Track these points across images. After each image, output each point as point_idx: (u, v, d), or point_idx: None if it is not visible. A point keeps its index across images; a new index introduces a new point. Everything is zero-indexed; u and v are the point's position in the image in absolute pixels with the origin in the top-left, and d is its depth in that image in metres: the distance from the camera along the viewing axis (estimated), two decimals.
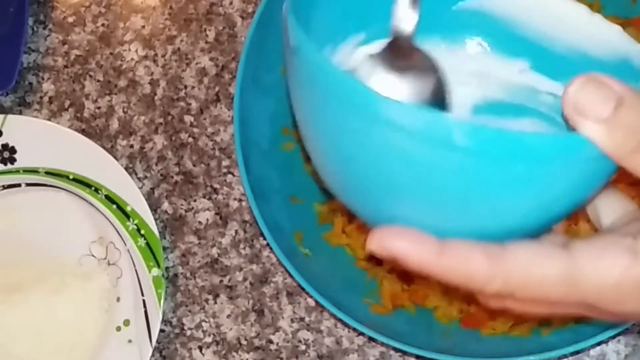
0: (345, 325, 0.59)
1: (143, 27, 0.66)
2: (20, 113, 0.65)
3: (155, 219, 0.60)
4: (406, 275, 0.57)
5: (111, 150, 0.63)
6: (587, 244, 0.35)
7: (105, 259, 0.60)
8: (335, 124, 0.35)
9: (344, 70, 0.34)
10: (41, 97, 0.65)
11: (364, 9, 0.43)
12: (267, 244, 0.60)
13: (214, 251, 0.62)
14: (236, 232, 0.62)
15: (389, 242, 0.34)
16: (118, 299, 0.59)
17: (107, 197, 0.60)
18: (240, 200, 0.62)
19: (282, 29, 0.37)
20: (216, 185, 0.63)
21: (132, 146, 0.64)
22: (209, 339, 0.60)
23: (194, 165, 0.63)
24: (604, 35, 0.41)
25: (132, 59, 0.65)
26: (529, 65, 0.44)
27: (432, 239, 0.34)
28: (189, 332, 0.60)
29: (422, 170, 0.33)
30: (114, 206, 0.60)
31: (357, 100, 0.33)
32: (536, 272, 0.34)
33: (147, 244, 0.59)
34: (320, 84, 0.34)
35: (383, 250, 0.34)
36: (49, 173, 0.61)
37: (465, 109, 0.45)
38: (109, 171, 0.60)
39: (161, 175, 0.63)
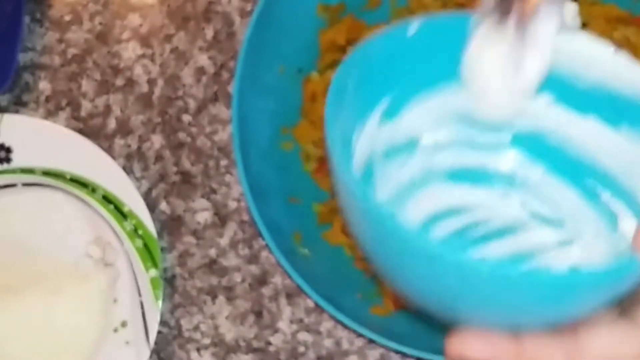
0: (345, 326, 0.59)
1: (140, 25, 0.66)
2: (17, 112, 0.64)
3: (153, 219, 0.60)
4: None
5: (108, 150, 0.63)
6: None
7: (102, 259, 0.60)
8: (395, 260, 0.36)
9: (394, 217, 0.36)
10: (38, 96, 0.65)
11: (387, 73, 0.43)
12: (266, 245, 0.60)
13: (213, 252, 0.61)
14: (235, 232, 0.62)
15: (468, 348, 0.36)
16: (115, 300, 0.59)
17: (104, 197, 0.60)
18: (238, 201, 0.62)
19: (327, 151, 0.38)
20: (214, 185, 0.63)
21: (129, 146, 0.64)
22: (207, 341, 0.60)
23: (192, 165, 0.63)
24: (629, 73, 0.40)
25: (130, 58, 0.65)
26: (554, 98, 0.44)
27: (509, 340, 0.36)
28: (187, 334, 0.60)
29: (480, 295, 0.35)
30: (111, 206, 0.60)
31: (408, 243, 0.34)
32: (616, 357, 0.36)
33: (145, 244, 0.59)
34: (375, 226, 0.36)
35: (462, 357, 0.36)
36: (45, 173, 0.61)
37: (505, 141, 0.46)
38: (106, 171, 0.60)
39: (159, 175, 0.63)
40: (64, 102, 0.65)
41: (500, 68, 0.40)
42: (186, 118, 0.64)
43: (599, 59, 0.41)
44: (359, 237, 0.39)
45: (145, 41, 0.66)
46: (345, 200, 0.37)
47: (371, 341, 0.59)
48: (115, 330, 0.58)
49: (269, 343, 0.60)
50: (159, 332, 0.60)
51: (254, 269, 0.61)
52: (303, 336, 0.60)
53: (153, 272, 0.59)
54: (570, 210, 0.44)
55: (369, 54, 0.41)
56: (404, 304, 0.57)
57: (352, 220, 0.38)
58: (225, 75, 0.65)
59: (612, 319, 0.37)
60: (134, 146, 0.64)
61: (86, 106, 0.65)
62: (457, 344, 0.36)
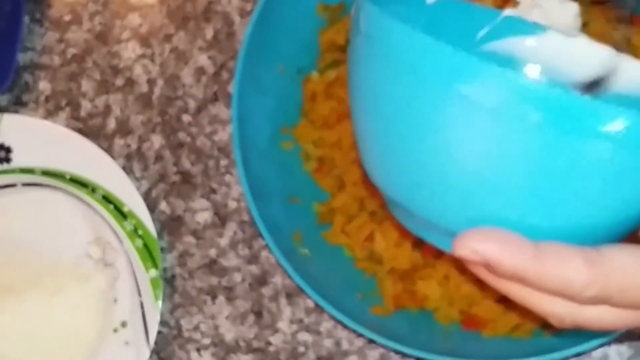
0: (345, 326, 0.59)
1: (140, 25, 0.66)
2: (17, 112, 0.64)
3: (153, 219, 0.60)
4: (407, 276, 0.57)
5: (108, 150, 0.63)
6: None
7: (102, 259, 0.60)
8: (412, 98, 0.32)
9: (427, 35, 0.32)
10: (37, 96, 0.65)
11: None
12: (266, 245, 0.60)
13: (212, 252, 0.61)
14: (235, 232, 0.62)
15: (481, 245, 0.32)
16: (115, 300, 0.59)
17: (104, 197, 0.60)
18: (238, 201, 0.62)
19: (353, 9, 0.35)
20: (214, 185, 0.63)
21: (129, 146, 0.64)
22: (207, 341, 0.60)
23: (192, 165, 0.63)
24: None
25: (129, 58, 0.65)
26: None
27: (526, 240, 0.32)
28: (187, 334, 0.60)
29: (520, 153, 0.31)
30: (111, 206, 0.60)
31: (434, 65, 0.31)
32: (637, 277, 0.33)
33: (145, 244, 0.59)
34: (403, 54, 0.32)
35: (473, 255, 0.32)
36: (45, 173, 0.61)
37: None
38: (105, 171, 0.60)
39: (159, 175, 0.63)
40: (63, 102, 0.65)
41: None
42: (186, 118, 0.64)
43: None
44: (366, 88, 0.35)
45: (145, 41, 0.66)
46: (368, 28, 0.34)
47: (371, 341, 0.59)
48: (115, 330, 0.58)
49: (269, 343, 0.60)
50: (159, 332, 0.60)
51: (253, 269, 0.61)
52: (303, 336, 0.60)
53: (153, 272, 0.59)
54: None
55: None
56: (404, 304, 0.57)
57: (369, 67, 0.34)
58: (225, 75, 0.65)
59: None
60: (134, 146, 0.64)
61: (86, 106, 0.65)
62: (471, 240, 0.32)
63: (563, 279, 0.32)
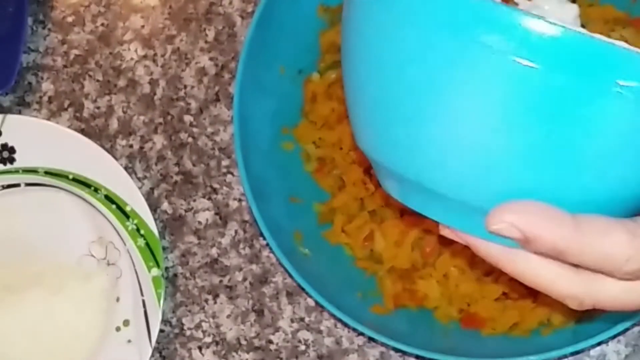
0: (345, 325, 0.59)
1: (142, 26, 0.66)
2: (20, 113, 0.64)
3: (155, 219, 0.60)
4: (407, 275, 0.57)
5: (110, 150, 0.63)
6: None
7: (104, 259, 0.60)
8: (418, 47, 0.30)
9: None
10: (40, 97, 0.65)
11: None
12: (267, 244, 0.60)
13: (214, 251, 0.62)
14: (236, 232, 0.62)
15: (519, 218, 0.30)
16: (117, 299, 0.59)
17: (106, 197, 0.60)
18: (239, 200, 0.62)
19: None
20: (216, 185, 0.63)
21: (131, 146, 0.64)
22: (208, 339, 0.60)
23: (194, 165, 0.63)
24: None
25: (132, 59, 0.65)
26: None
27: (565, 213, 0.30)
28: (188, 332, 0.60)
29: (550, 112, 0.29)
30: (114, 206, 0.60)
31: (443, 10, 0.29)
32: None
33: (147, 244, 0.59)
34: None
35: (509, 229, 0.30)
36: (48, 173, 0.61)
37: None
38: (108, 171, 0.60)
39: (161, 175, 0.63)
40: (66, 103, 0.65)
41: None
42: (188, 118, 0.64)
43: None
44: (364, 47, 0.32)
45: (147, 42, 0.66)
46: None
47: (371, 339, 0.59)
48: (118, 329, 0.58)
49: (269, 341, 0.60)
50: (161, 331, 0.60)
51: (254, 268, 0.61)
52: (303, 335, 0.60)
53: (155, 271, 0.59)
54: None
55: None
56: (403, 303, 0.57)
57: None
58: (226, 76, 0.65)
59: None
60: (136, 146, 0.64)
61: (88, 107, 0.65)
62: (508, 213, 0.30)
63: (604, 253, 0.31)
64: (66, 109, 0.65)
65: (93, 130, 0.64)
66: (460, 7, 0.29)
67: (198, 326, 0.60)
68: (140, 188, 0.62)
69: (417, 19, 0.30)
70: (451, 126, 0.30)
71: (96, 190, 0.61)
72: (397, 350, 0.58)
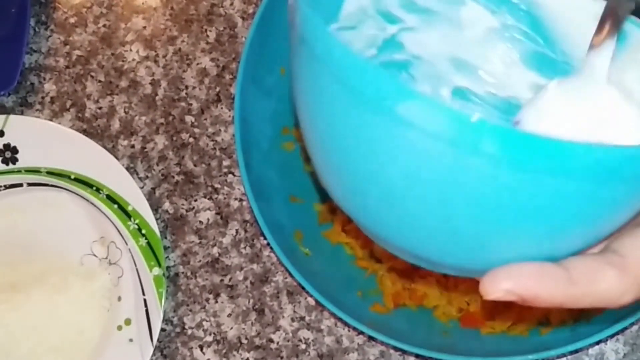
0: (345, 324, 0.59)
1: (144, 27, 0.66)
2: (22, 113, 0.65)
3: (156, 219, 0.60)
4: (407, 274, 0.57)
5: (112, 150, 0.64)
6: None
7: (106, 258, 0.60)
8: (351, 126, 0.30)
9: (360, 54, 0.30)
10: (43, 98, 0.65)
11: None
12: (268, 244, 0.61)
13: (215, 251, 0.62)
14: (237, 231, 0.62)
15: (515, 284, 0.30)
16: (119, 298, 0.59)
17: (108, 196, 0.60)
18: (240, 200, 0.62)
19: (289, 13, 0.34)
20: (217, 185, 0.63)
21: (133, 146, 0.64)
22: (209, 338, 0.60)
23: (195, 165, 0.63)
24: None
25: (134, 60, 0.66)
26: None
27: (555, 266, 0.31)
28: (189, 331, 0.60)
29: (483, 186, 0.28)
30: (115, 206, 0.60)
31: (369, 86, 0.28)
32: None
33: (148, 243, 0.59)
34: (334, 71, 0.30)
35: (507, 295, 0.31)
36: (50, 173, 0.61)
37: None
38: (110, 171, 0.60)
39: (162, 175, 0.63)
40: (68, 103, 0.65)
41: None
42: (189, 119, 0.64)
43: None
44: (309, 110, 0.33)
45: (148, 43, 0.66)
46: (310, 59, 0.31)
47: (371, 338, 0.59)
48: (119, 327, 0.59)
49: (270, 340, 0.60)
50: (162, 330, 0.60)
51: (255, 267, 0.61)
52: (304, 334, 0.60)
53: (156, 270, 0.59)
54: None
55: None
56: (403, 302, 0.57)
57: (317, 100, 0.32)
58: (227, 76, 0.65)
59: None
60: (138, 147, 0.64)
61: (90, 107, 0.65)
62: (500, 281, 0.30)
63: (599, 297, 0.32)
64: (68, 110, 0.65)
65: (95, 130, 0.64)
66: (382, 84, 0.29)
67: (199, 325, 0.60)
68: (141, 188, 0.62)
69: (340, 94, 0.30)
70: (393, 199, 0.30)
71: (98, 190, 0.61)
72: (397, 349, 0.58)
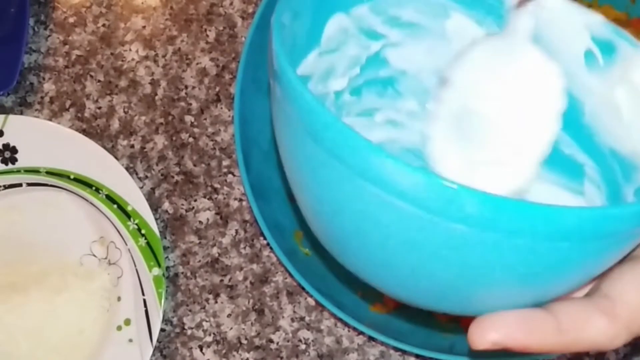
0: (345, 324, 0.59)
1: (144, 27, 0.66)
2: (22, 113, 0.65)
3: (156, 219, 0.60)
4: None
5: (112, 150, 0.64)
6: None
7: (106, 258, 0.61)
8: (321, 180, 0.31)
9: (333, 115, 0.30)
10: (42, 97, 0.65)
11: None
12: (268, 244, 0.61)
13: (215, 251, 0.62)
14: (236, 231, 0.62)
15: (502, 337, 0.30)
16: (119, 299, 0.59)
17: (107, 197, 0.60)
18: (240, 200, 0.62)
19: (268, 50, 0.34)
20: (217, 185, 0.63)
21: (132, 146, 0.64)
22: (209, 338, 0.60)
23: (195, 165, 0.63)
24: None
25: (133, 59, 0.66)
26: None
27: (541, 312, 0.31)
28: (189, 332, 0.60)
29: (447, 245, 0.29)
30: (115, 206, 0.60)
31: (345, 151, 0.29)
32: None
33: (148, 243, 0.59)
34: (303, 122, 0.31)
35: (499, 346, 0.31)
36: (49, 173, 0.62)
37: None
38: (109, 171, 0.60)
39: (162, 175, 0.63)
40: (68, 103, 0.65)
41: None
42: (188, 119, 0.64)
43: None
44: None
45: (148, 43, 0.66)
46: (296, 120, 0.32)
47: (371, 339, 0.59)
48: (119, 328, 0.59)
49: (270, 341, 0.60)
50: (162, 330, 0.60)
51: (255, 267, 0.61)
52: (304, 334, 0.60)
53: (156, 270, 0.59)
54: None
55: None
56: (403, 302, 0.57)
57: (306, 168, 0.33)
58: (227, 76, 0.65)
59: (628, 263, 0.33)
60: (137, 146, 0.64)
61: (90, 107, 0.65)
62: (487, 333, 0.30)
63: (590, 342, 0.32)
64: (68, 110, 0.65)
65: (94, 130, 0.64)
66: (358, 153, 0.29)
67: (199, 325, 0.61)
68: (141, 188, 0.62)
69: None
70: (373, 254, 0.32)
71: (97, 190, 0.61)
72: (397, 349, 0.58)
